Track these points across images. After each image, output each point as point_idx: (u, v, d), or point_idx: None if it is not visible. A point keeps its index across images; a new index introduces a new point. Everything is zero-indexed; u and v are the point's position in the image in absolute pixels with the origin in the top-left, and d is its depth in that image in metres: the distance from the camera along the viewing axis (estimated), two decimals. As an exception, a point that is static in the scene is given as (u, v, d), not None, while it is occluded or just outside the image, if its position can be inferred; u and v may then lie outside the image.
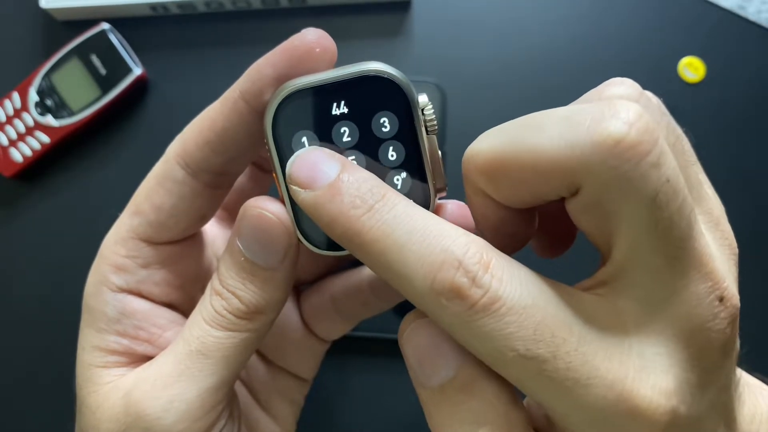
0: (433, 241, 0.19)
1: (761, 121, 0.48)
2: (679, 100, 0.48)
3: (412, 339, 0.21)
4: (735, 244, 0.21)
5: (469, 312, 0.18)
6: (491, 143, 0.20)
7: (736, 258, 0.21)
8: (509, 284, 0.19)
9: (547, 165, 0.19)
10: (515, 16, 0.50)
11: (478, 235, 0.20)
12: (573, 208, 0.20)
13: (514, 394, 0.20)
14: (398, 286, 0.20)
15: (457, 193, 0.48)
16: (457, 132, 0.49)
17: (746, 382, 0.22)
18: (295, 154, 0.22)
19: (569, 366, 0.18)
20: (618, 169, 0.18)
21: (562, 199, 0.20)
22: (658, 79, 0.49)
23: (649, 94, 0.21)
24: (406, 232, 0.19)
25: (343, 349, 0.46)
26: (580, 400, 0.18)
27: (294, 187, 0.22)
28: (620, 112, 0.18)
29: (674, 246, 0.18)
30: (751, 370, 0.23)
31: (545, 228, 0.25)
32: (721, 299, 0.19)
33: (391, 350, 0.47)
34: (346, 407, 0.47)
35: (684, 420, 0.18)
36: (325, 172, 0.21)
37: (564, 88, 0.49)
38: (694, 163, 0.22)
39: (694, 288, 0.19)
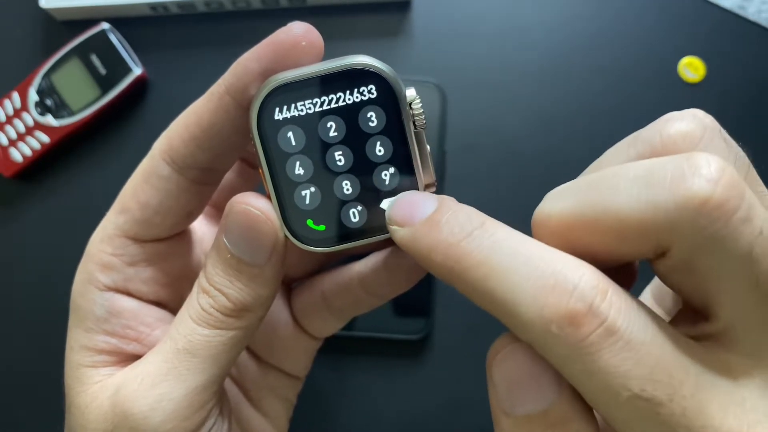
0: (541, 263, 0.18)
1: (761, 121, 0.48)
2: (679, 100, 0.48)
3: (506, 362, 0.20)
4: None
5: (583, 343, 0.17)
6: (563, 206, 0.19)
7: None
8: (627, 316, 0.17)
9: (630, 228, 0.18)
10: (515, 16, 0.50)
11: None
12: (662, 269, 0.19)
13: None
14: (503, 314, 0.18)
15: (447, 190, 0.47)
16: (458, 132, 0.49)
17: None
18: (394, 198, 0.23)
19: (685, 412, 0.17)
20: (708, 230, 0.17)
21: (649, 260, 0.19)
22: (658, 79, 0.49)
23: (710, 123, 0.20)
24: (509, 254, 0.18)
25: (341, 349, 0.46)
26: None
27: (393, 228, 0.21)
28: (701, 168, 0.17)
29: None
30: None
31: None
32: None
33: (389, 350, 0.47)
34: (344, 407, 0.47)
35: None
36: (423, 209, 0.21)
37: (564, 88, 0.49)
38: (764, 191, 0.20)
39: None
